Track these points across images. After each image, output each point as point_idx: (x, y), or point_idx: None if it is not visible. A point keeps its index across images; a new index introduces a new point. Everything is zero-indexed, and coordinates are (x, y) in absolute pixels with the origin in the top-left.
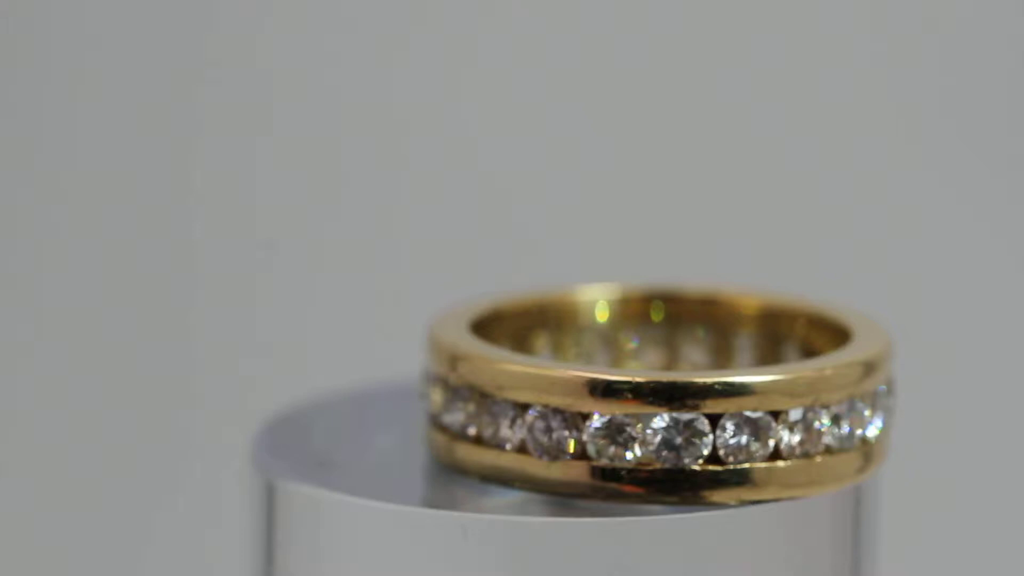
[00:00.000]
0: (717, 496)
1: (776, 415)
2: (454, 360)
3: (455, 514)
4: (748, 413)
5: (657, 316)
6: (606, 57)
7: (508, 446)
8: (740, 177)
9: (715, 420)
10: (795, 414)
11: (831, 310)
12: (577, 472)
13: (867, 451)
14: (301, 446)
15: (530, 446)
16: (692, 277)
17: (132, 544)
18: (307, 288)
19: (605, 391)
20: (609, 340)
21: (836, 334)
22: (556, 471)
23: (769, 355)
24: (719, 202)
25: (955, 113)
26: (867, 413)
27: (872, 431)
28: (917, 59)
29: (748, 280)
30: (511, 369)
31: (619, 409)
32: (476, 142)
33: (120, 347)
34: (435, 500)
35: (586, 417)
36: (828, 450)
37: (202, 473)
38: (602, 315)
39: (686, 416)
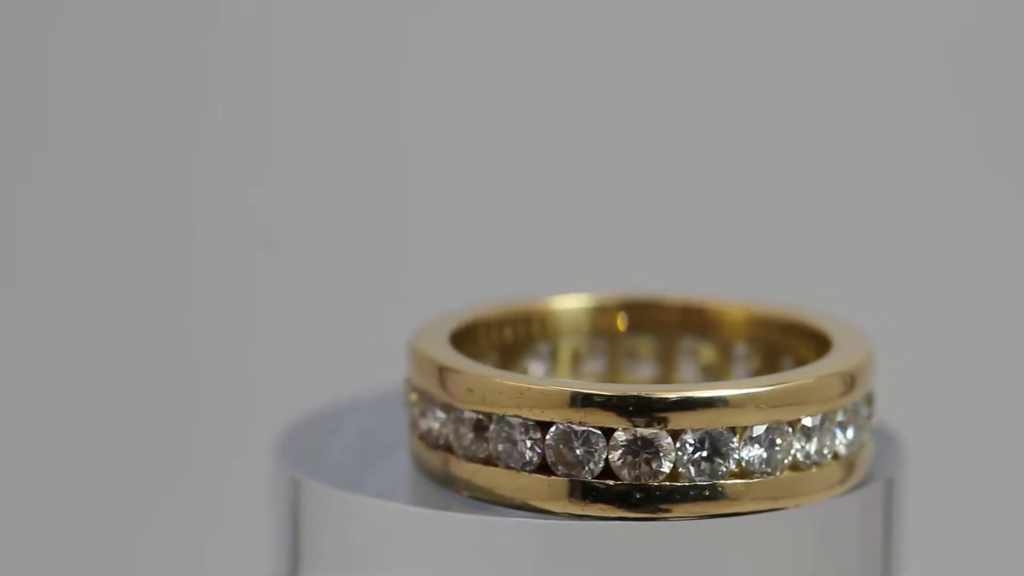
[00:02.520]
0: (680, 510)
1: (751, 428)
2: (432, 372)
3: (474, 517)
4: (726, 427)
5: (636, 326)
6: (589, 68)
7: (483, 458)
8: (720, 185)
9: (689, 434)
10: (768, 428)
11: (813, 318)
12: (550, 486)
13: (849, 462)
14: (325, 448)
15: (503, 459)
16: (673, 285)
17: (132, 545)
18: (314, 291)
19: (584, 403)
20: (589, 350)
21: (818, 343)
22: (529, 484)
23: (753, 365)
24: (702, 210)
25: (945, 114)
26: (848, 424)
27: (853, 442)
28: (908, 61)
29: (734, 289)
30: (487, 382)
31: (593, 421)
32: (469, 149)
33: (120, 347)
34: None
35: (556, 428)
36: (806, 463)
37: (202, 473)
38: (582, 325)
39: (658, 430)
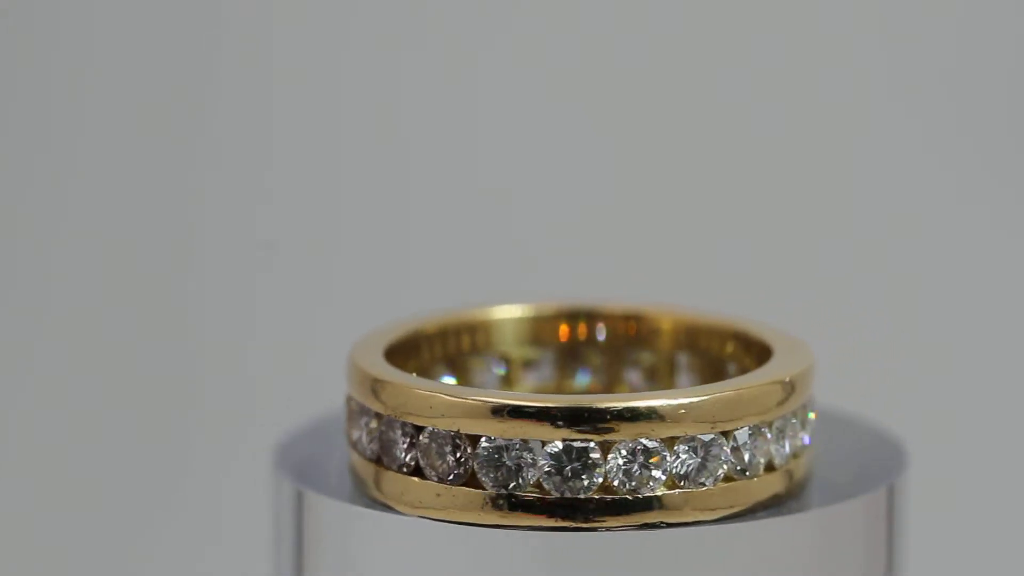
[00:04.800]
0: (613, 521)
1: (689, 438)
2: (365, 384)
3: (479, 528)
4: (664, 437)
5: (577, 335)
6: (589, 68)
7: (407, 470)
8: (718, 186)
9: (624, 444)
10: (707, 437)
11: (754, 328)
12: (472, 497)
13: (787, 471)
14: (326, 456)
15: (427, 470)
16: (614, 294)
17: (132, 545)
18: (315, 291)
19: (511, 414)
20: (527, 359)
21: (760, 352)
22: (451, 496)
23: (693, 374)
24: (699, 212)
25: (944, 114)
26: (787, 433)
27: (793, 451)
28: (908, 61)
29: (732, 291)
30: (416, 393)
31: (523, 432)
32: (469, 149)
33: (120, 347)
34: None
35: (481, 441)
36: (745, 472)
37: (202, 474)
38: (521, 334)
39: (591, 441)
